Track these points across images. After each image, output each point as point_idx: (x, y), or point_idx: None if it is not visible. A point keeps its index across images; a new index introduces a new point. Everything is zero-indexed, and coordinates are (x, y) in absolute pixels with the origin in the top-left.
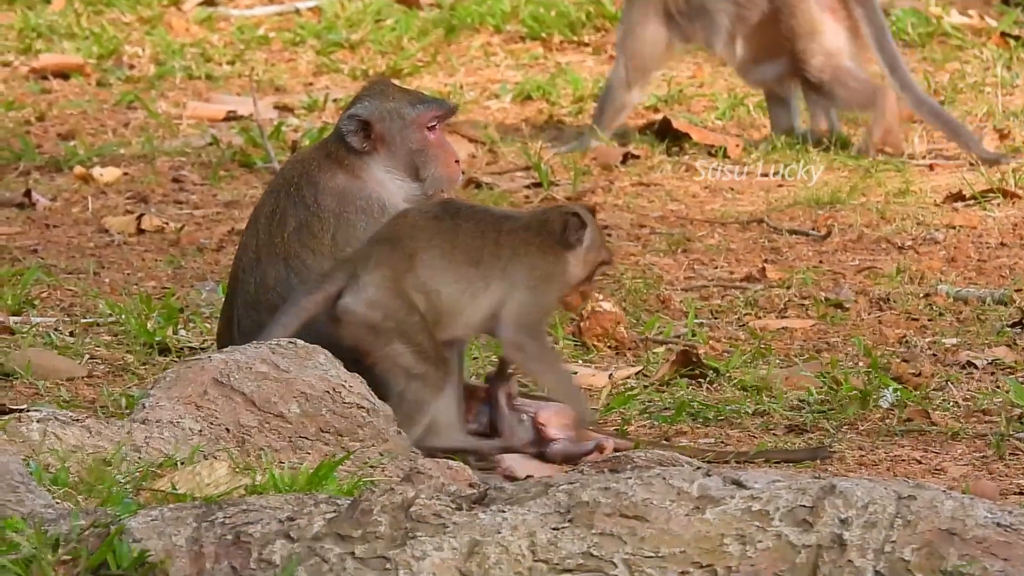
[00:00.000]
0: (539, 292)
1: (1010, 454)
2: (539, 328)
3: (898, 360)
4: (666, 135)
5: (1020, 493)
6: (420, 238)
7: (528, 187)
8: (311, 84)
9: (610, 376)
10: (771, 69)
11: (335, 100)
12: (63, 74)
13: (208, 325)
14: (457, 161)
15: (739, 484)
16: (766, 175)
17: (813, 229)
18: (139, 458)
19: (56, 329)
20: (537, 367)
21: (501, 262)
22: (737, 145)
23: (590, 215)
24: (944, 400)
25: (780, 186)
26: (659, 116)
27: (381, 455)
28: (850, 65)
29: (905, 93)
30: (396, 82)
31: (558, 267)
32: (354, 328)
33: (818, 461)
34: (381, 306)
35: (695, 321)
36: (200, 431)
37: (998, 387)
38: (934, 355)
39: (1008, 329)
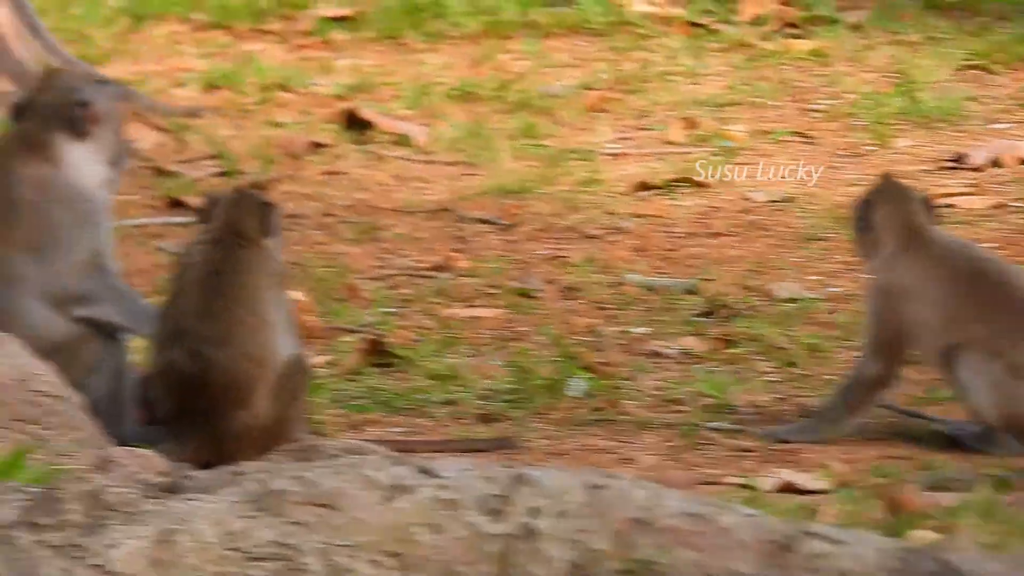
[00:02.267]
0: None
1: (700, 444)
2: None
3: (587, 349)
4: (353, 124)
5: (710, 483)
6: None
7: (215, 176)
8: None
9: None
10: None
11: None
12: None
13: None
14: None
15: (430, 473)
16: (453, 164)
17: (501, 218)
18: None
19: None
20: None
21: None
22: (424, 134)
23: (258, 190)
24: (634, 389)
25: (467, 175)
26: (346, 105)
27: (72, 443)
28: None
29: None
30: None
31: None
32: None
33: (506, 450)
34: None
35: (384, 310)
36: None
37: (687, 376)
38: (623, 344)
39: (696, 319)
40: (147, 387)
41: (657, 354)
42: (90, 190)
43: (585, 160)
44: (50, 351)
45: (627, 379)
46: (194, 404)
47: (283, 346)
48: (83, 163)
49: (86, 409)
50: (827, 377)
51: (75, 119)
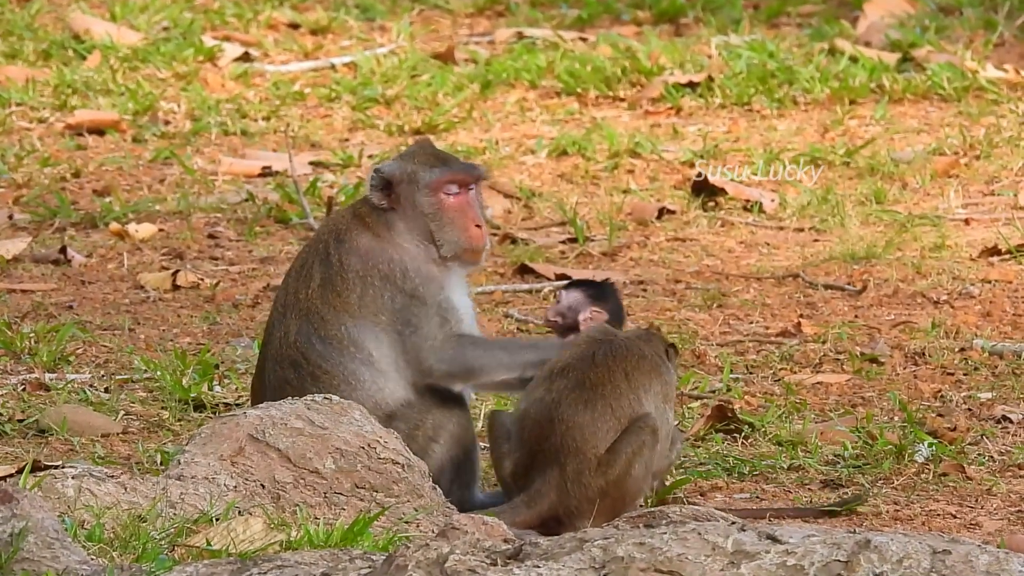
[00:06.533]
0: None
1: None
2: None
3: (933, 414)
4: (702, 190)
5: None
6: None
7: (563, 243)
8: (346, 140)
9: None
10: None
11: (370, 156)
12: (98, 130)
13: (243, 381)
14: (479, 226)
15: (774, 539)
16: (801, 230)
17: (849, 284)
18: (174, 514)
19: (91, 385)
20: None
21: None
22: (772, 200)
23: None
24: (979, 454)
25: (816, 241)
26: (694, 172)
27: (416, 511)
28: None
29: None
30: (436, 142)
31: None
32: None
33: (851, 516)
34: None
35: (730, 376)
36: (235, 487)
37: None
38: (969, 409)
39: None
40: (495, 447)
41: (1003, 419)
42: (407, 265)
43: (933, 226)
44: (384, 419)
45: (973, 444)
46: (544, 451)
47: (641, 405)
48: (404, 238)
49: (429, 476)
50: None
51: (370, 187)
